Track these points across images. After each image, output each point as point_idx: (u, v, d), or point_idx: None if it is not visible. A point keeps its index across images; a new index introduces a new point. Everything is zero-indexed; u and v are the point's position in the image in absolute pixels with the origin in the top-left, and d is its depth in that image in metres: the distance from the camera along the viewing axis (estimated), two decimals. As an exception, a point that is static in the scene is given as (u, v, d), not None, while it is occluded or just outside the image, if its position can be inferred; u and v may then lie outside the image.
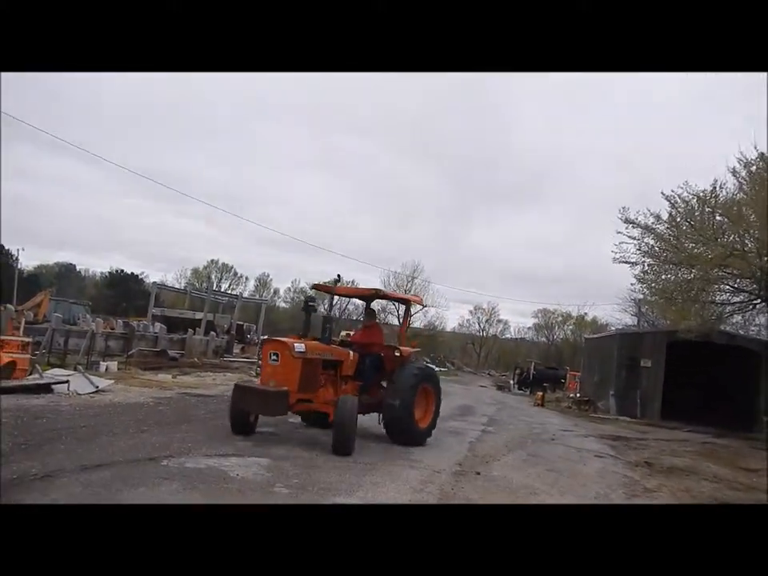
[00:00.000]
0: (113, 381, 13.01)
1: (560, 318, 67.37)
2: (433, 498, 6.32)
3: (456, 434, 11.94)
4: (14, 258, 56.39)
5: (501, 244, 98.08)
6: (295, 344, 8.17)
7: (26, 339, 12.65)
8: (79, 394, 10.91)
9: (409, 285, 61.24)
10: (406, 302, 11.93)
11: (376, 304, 12.00)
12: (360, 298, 12.60)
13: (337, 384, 8.99)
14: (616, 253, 19.67)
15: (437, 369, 48.47)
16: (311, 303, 9.72)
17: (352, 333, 12.58)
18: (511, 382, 41.79)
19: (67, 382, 11.25)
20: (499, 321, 73.25)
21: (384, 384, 9.70)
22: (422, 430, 9.51)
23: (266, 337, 9.70)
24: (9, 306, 21.49)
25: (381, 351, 9.81)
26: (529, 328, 73.47)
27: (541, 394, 26.38)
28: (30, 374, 11.91)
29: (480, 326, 72.56)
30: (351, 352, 9.17)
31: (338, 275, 9.75)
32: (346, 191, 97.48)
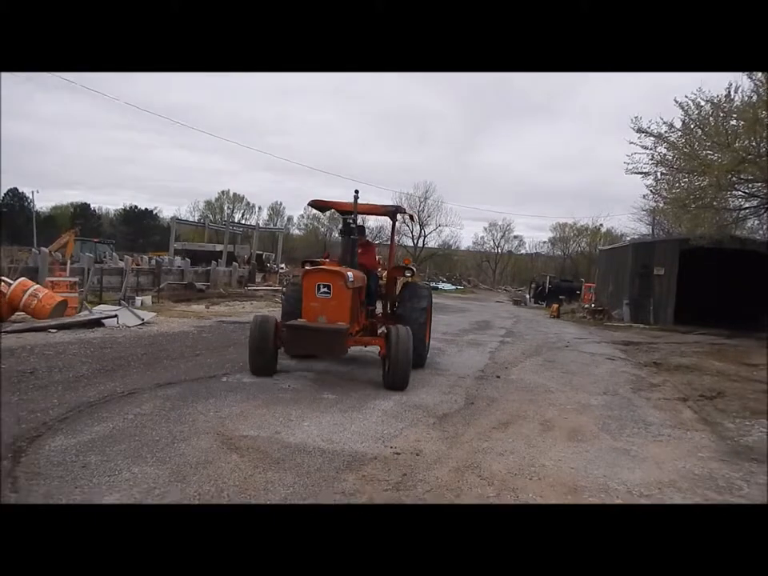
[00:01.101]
0: (155, 313, 13.95)
1: (575, 231, 67.33)
2: (460, 399, 7.22)
3: (476, 345, 12.85)
4: (30, 201, 57.22)
5: (514, 160, 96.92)
6: (348, 273, 7.39)
7: (73, 279, 13.55)
8: (128, 327, 11.85)
9: (422, 205, 61.41)
10: (393, 215, 9.75)
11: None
12: (376, 215, 11.69)
13: (359, 312, 8.30)
14: (629, 164, 19.85)
15: (454, 287, 49.43)
16: (352, 224, 8.29)
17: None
18: (527, 296, 42.54)
19: (116, 316, 12.18)
20: (515, 237, 73.44)
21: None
22: (426, 347, 9.41)
23: (308, 266, 8.06)
24: (43, 248, 22.42)
25: (374, 269, 9.22)
26: (544, 242, 73.61)
27: (556, 306, 27.13)
28: (79, 311, 12.86)
29: (495, 242, 72.87)
30: (364, 275, 8.45)
31: (357, 191, 8.15)
32: (356, 116, 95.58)
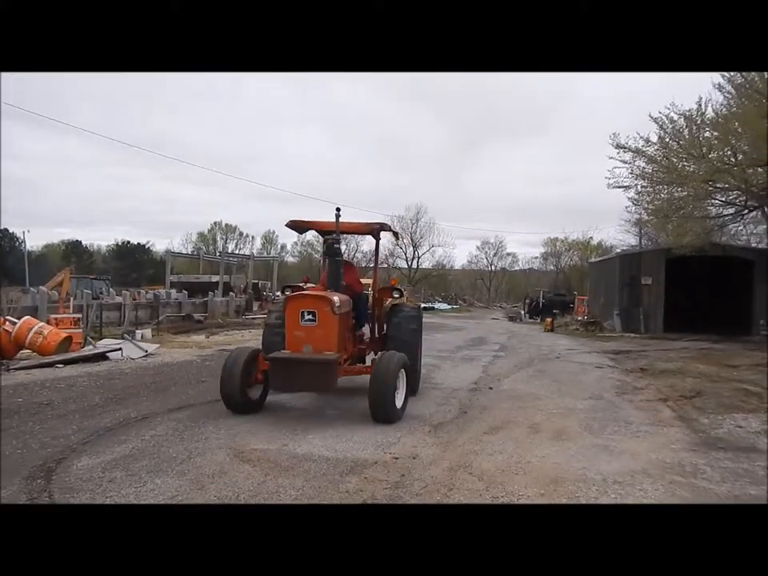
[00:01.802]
0: (158, 345, 14.37)
1: (566, 246, 68.16)
2: (454, 409, 7.67)
3: (470, 360, 13.31)
4: (21, 241, 57.70)
5: (504, 178, 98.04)
6: (334, 298, 6.86)
7: (77, 315, 13.98)
8: (133, 359, 12.26)
9: (414, 226, 62.23)
10: (377, 233, 8.69)
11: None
12: (360, 234, 10.59)
13: (347, 339, 7.67)
14: (610, 178, 20.57)
15: (449, 307, 49.84)
16: (337, 245, 7.62)
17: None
18: (522, 312, 43.04)
19: (120, 349, 12.60)
20: (507, 254, 74.26)
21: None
22: (418, 373, 8.75)
23: (289, 292, 7.65)
24: (42, 287, 22.84)
25: (360, 292, 8.49)
26: (536, 258, 74.48)
27: (550, 319, 27.67)
28: (84, 346, 13.27)
29: (488, 260, 73.65)
30: (350, 299, 7.78)
31: (338, 208, 7.56)
32: (343, 140, 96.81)
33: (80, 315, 14.40)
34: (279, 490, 4.46)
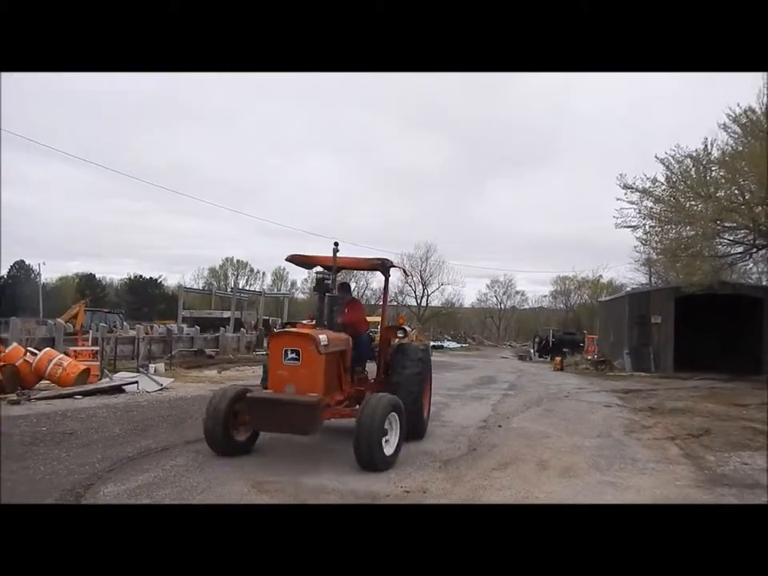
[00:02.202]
0: (172, 379, 14.63)
1: (576, 284, 68.35)
2: (463, 446, 7.83)
3: (480, 398, 13.46)
4: (36, 273, 58.77)
5: (513, 216, 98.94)
6: (320, 336, 6.50)
7: (95, 348, 14.31)
8: (148, 392, 12.52)
9: (423, 265, 62.76)
10: (386, 270, 8.47)
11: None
12: (360, 270, 10.16)
13: (342, 379, 7.38)
14: (618, 218, 20.91)
15: (458, 345, 49.82)
16: (327, 281, 7.46)
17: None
18: (531, 350, 43.03)
19: (137, 382, 12.88)
20: (517, 292, 74.63)
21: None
22: (425, 419, 8.36)
23: (276, 329, 7.35)
24: (59, 320, 23.30)
25: (366, 331, 8.32)
26: (545, 296, 74.72)
27: (559, 358, 27.76)
28: (101, 379, 13.55)
29: (498, 299, 73.94)
30: (349, 337, 7.53)
31: (336, 243, 7.35)
32: (351, 172, 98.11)
33: (97, 348, 14.69)
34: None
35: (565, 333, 44.03)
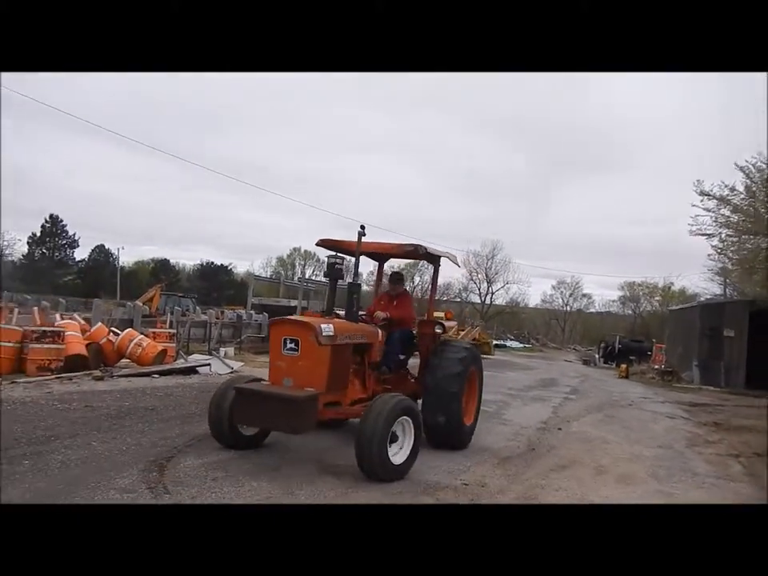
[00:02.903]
0: (243, 363, 15.31)
1: (645, 290, 66.20)
2: (522, 445, 7.97)
3: (541, 400, 13.48)
4: (115, 257, 62.03)
5: (583, 217, 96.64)
6: (322, 325, 5.96)
7: (172, 330, 15.15)
8: (219, 374, 13.19)
9: (489, 263, 62.37)
10: (436, 260, 7.97)
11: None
12: (384, 256, 8.41)
13: (365, 376, 6.91)
14: (693, 225, 20.28)
15: (521, 345, 49.27)
16: (338, 265, 6.93)
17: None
18: (596, 355, 42.08)
19: (209, 364, 13.60)
20: (583, 295, 72.92)
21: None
22: (467, 427, 7.51)
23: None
24: (137, 302, 24.65)
25: (411, 327, 7.61)
26: (613, 301, 72.68)
27: (625, 366, 27.09)
28: (176, 360, 14.36)
29: (563, 300, 72.50)
30: (379, 330, 7.04)
31: (362, 226, 6.76)
32: (422, 171, 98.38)
33: (174, 330, 15.54)
34: (360, 500, 4.98)
35: (632, 340, 42.79)
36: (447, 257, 8.09)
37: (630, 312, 69.59)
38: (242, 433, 6.28)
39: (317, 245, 7.74)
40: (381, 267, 8.82)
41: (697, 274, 67.09)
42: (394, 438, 5.72)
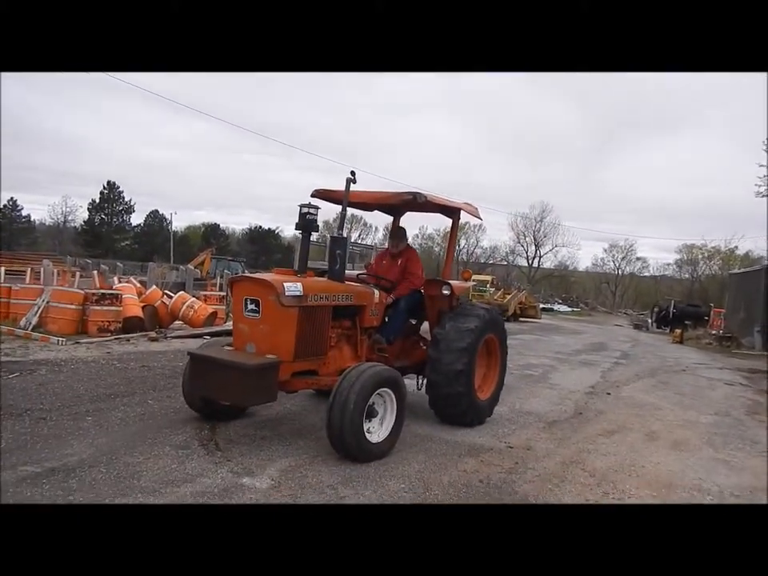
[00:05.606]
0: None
1: (705, 253, 63.73)
2: (569, 410, 7.86)
3: (589, 365, 13.22)
4: (168, 222, 63.54)
5: (639, 178, 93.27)
6: (285, 284, 5.18)
7: (222, 293, 15.47)
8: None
9: (537, 225, 61.15)
10: (454, 212, 6.98)
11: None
12: (387, 208, 7.39)
13: (356, 342, 6.14)
14: (759, 186, 19.31)
15: (569, 309, 48.51)
16: (311, 216, 5.75)
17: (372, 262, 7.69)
18: (649, 320, 40.99)
19: (259, 326, 13.84)
20: (638, 258, 70.85)
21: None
22: (482, 402, 6.57)
23: (236, 273, 6.00)
24: (189, 266, 25.28)
25: (418, 288, 6.62)
26: (669, 264, 70.37)
27: (680, 331, 26.32)
28: (225, 322, 14.68)
29: (615, 264, 70.64)
30: (376, 291, 6.23)
31: (352, 172, 5.93)
32: (475, 131, 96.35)
33: (224, 293, 15.87)
34: (404, 461, 5.02)
35: (688, 305, 41.38)
36: (465, 209, 6.96)
37: (687, 276, 67.29)
38: (217, 401, 5.54)
39: (312, 195, 6.68)
40: (395, 223, 7.52)
41: (762, 237, 64.13)
42: (374, 414, 5.14)
